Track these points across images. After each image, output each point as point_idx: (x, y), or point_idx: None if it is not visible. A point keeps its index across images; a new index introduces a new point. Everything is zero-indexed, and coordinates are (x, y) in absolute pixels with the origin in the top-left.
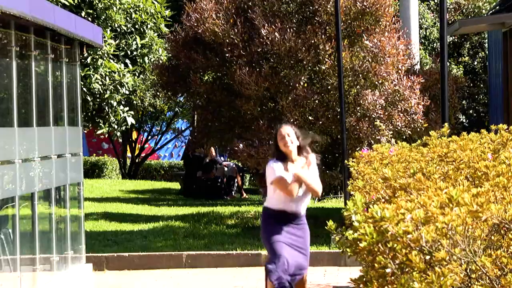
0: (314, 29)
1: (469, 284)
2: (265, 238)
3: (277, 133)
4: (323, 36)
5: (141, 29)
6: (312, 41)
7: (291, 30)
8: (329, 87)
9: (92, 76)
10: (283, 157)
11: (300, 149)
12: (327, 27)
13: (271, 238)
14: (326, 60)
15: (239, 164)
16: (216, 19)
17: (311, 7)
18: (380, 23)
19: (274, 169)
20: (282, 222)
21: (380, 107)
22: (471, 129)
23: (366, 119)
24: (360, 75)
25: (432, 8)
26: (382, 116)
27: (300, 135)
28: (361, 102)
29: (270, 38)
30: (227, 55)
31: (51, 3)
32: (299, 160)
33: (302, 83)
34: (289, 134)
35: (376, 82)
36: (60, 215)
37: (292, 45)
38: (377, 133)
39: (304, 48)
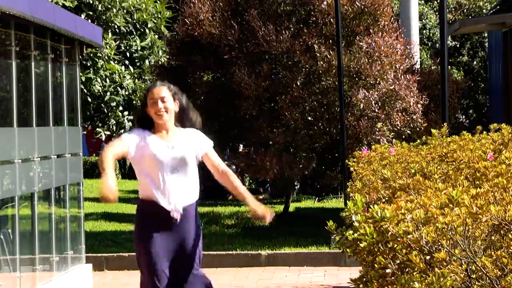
0: (310, 30)
1: (469, 285)
2: (135, 243)
3: (147, 94)
4: (318, 37)
5: (142, 29)
6: (309, 42)
7: (287, 31)
8: (326, 87)
9: (93, 79)
10: (151, 126)
11: (181, 117)
12: (323, 27)
13: (141, 245)
14: (321, 62)
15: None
16: (212, 21)
17: (305, 8)
18: (379, 23)
19: (124, 136)
20: (155, 220)
21: (376, 106)
22: (471, 129)
23: (366, 118)
24: (355, 76)
25: (435, 9)
26: (379, 115)
27: (182, 98)
28: (353, 100)
29: (267, 39)
30: (225, 56)
31: (51, 3)
32: (176, 133)
33: (298, 84)
34: (165, 99)
35: (371, 82)
36: (60, 215)
37: (289, 46)
38: (376, 133)
39: (301, 49)
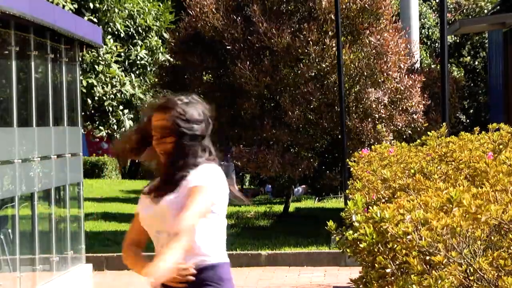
0: (310, 26)
1: (469, 285)
2: None
3: (151, 117)
4: (322, 33)
5: (144, 33)
6: (310, 38)
7: (290, 27)
8: (330, 85)
9: (94, 82)
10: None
11: (181, 157)
12: (324, 24)
13: None
14: (327, 58)
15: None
16: (216, 14)
17: (306, 5)
18: (380, 21)
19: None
20: None
21: (382, 106)
22: (471, 129)
23: (370, 119)
24: (365, 73)
25: (434, 8)
26: (383, 115)
27: (192, 120)
28: (364, 100)
29: (268, 35)
30: (228, 47)
31: (51, 3)
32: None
33: (297, 81)
34: (165, 125)
35: (379, 80)
36: (59, 215)
37: (290, 42)
38: (379, 134)
39: (304, 44)
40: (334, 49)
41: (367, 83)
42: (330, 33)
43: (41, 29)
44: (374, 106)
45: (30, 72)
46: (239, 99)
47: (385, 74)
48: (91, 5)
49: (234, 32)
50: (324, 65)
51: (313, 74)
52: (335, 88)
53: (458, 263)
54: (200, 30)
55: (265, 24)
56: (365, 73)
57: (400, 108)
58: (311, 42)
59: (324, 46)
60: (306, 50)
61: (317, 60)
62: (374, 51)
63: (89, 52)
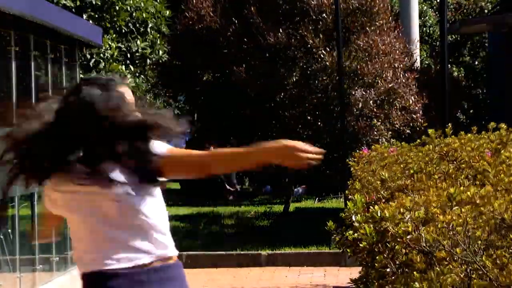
0: (306, 25)
1: (469, 283)
2: None
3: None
4: (314, 33)
5: (142, 28)
6: (305, 38)
7: (286, 27)
8: (322, 87)
9: None
10: None
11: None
12: (318, 24)
13: None
14: (315, 58)
15: None
16: (213, 16)
17: (299, 4)
18: (376, 21)
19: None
20: None
21: (374, 105)
22: (471, 129)
23: (364, 118)
24: (352, 75)
25: (435, 7)
26: (378, 114)
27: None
28: (351, 99)
29: (264, 35)
30: (224, 50)
31: (51, 3)
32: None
33: (293, 81)
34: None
35: (369, 81)
36: None
37: (286, 41)
38: (375, 132)
39: (297, 45)
40: (320, 48)
41: (354, 85)
42: (321, 30)
43: (41, 29)
44: (362, 104)
45: (30, 72)
46: (238, 98)
47: (370, 75)
48: (93, 1)
49: (231, 35)
50: (314, 67)
51: (300, 75)
52: (325, 90)
53: (461, 259)
54: (197, 32)
55: (261, 24)
56: (352, 76)
57: (397, 107)
58: (299, 43)
59: (310, 46)
60: (298, 51)
61: (303, 61)
62: (363, 53)
63: (91, 50)
